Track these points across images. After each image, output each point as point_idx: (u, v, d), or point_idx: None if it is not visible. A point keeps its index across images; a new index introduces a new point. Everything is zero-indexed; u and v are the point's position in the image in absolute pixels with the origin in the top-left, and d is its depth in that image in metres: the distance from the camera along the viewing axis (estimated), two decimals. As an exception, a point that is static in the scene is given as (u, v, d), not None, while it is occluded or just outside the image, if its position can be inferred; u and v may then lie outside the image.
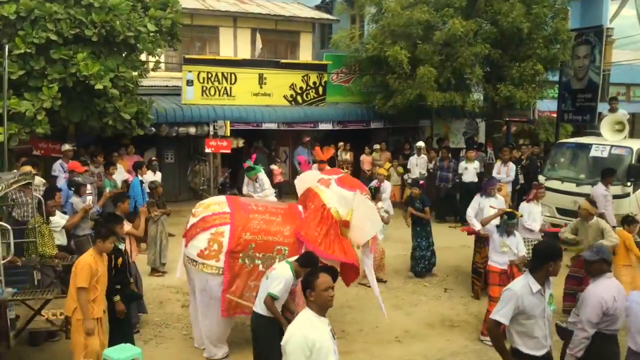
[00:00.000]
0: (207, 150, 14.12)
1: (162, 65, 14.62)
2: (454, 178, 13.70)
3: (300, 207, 7.12)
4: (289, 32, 19.99)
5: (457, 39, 13.78)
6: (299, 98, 15.99)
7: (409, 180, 14.54)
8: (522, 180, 13.16)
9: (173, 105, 14.33)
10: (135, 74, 11.73)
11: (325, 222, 6.67)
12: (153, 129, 13.94)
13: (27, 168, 9.36)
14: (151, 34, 11.97)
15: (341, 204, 6.83)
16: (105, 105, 10.55)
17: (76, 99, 10.73)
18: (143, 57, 12.60)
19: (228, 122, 14.34)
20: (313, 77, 16.06)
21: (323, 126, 16.11)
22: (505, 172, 12.60)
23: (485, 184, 9.14)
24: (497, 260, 7.49)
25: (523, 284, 4.57)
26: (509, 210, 7.87)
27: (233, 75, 15.02)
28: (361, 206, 6.83)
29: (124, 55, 11.16)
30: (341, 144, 16.26)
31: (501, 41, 14.31)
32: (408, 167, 14.71)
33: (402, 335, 7.63)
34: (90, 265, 5.72)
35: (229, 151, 14.24)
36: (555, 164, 12.24)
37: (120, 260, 6.30)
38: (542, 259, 4.62)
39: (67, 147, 11.34)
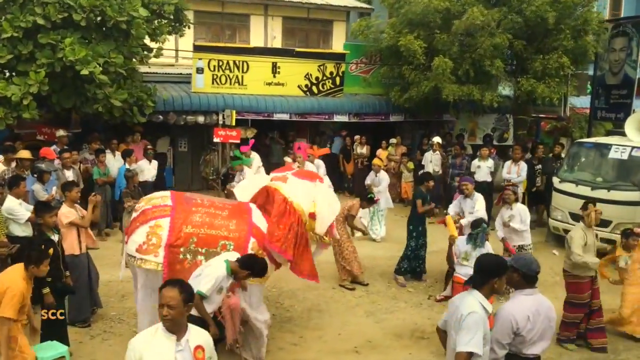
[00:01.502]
0: (216, 139, 13.86)
1: (175, 53, 14.46)
2: (466, 176, 12.89)
3: (252, 205, 6.67)
4: (322, 21, 19.51)
5: (477, 29, 12.95)
6: (314, 88, 15.48)
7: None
8: (538, 183, 12.23)
9: (182, 93, 14.11)
10: (134, 60, 11.53)
11: (289, 217, 6.26)
12: (160, 116, 13.81)
13: (25, 153, 9.34)
14: (149, 20, 11.80)
15: (303, 196, 6.43)
16: (96, 92, 10.36)
17: (70, 85, 10.61)
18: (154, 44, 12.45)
19: (234, 112, 13.99)
20: (330, 67, 15.51)
21: (338, 118, 15.56)
22: (515, 171, 11.73)
23: (458, 182, 8.54)
24: (460, 271, 6.87)
25: (478, 304, 3.94)
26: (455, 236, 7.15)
27: (245, 64, 14.67)
28: (323, 195, 6.64)
29: (120, 40, 10.91)
30: (357, 137, 15.68)
31: (526, 32, 13.37)
32: (422, 163, 13.98)
33: (362, 346, 7.07)
34: (22, 294, 5.02)
35: (238, 141, 13.88)
36: (571, 166, 11.28)
37: (51, 250, 6.00)
38: (487, 274, 4.04)
39: (61, 132, 11.30)
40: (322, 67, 15.44)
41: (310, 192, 6.53)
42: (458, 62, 13.29)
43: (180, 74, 15.42)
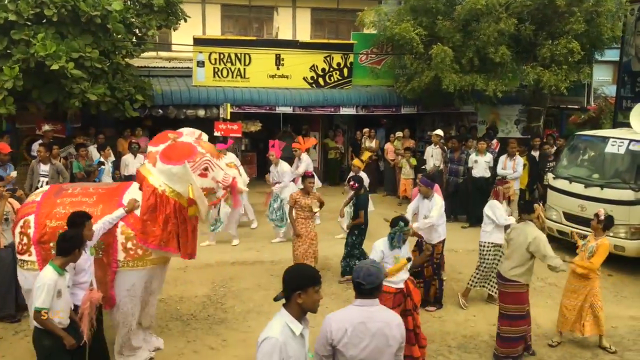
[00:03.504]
0: (216, 133, 13.69)
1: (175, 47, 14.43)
2: (464, 171, 12.10)
3: (133, 184, 6.20)
4: (352, 11, 18.98)
5: (481, 14, 12.13)
6: (320, 80, 15.07)
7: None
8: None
9: (182, 87, 14.06)
10: (117, 55, 11.51)
11: (163, 210, 5.78)
12: (160, 110, 13.84)
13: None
14: (139, 14, 11.79)
15: (174, 181, 5.82)
16: (72, 87, 10.42)
17: (53, 80, 10.72)
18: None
19: (228, 105, 13.81)
20: (337, 58, 15.04)
21: (345, 110, 15.07)
22: (511, 167, 10.87)
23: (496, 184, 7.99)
24: (390, 279, 6.25)
25: (282, 327, 3.39)
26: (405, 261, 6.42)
27: (247, 56, 14.44)
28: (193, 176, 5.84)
29: (99, 35, 10.92)
30: (366, 130, 15.14)
31: (536, 16, 12.40)
32: (424, 157, 13.29)
33: (284, 352, 6.66)
34: None
35: (239, 135, 13.63)
36: (568, 161, 10.33)
37: None
38: (289, 288, 3.46)
39: (46, 127, 11.47)
40: (328, 59, 14.99)
41: (184, 176, 5.80)
42: (462, 50, 12.52)
43: (182, 67, 15.36)
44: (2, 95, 9.95)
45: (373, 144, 15.04)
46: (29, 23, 10.19)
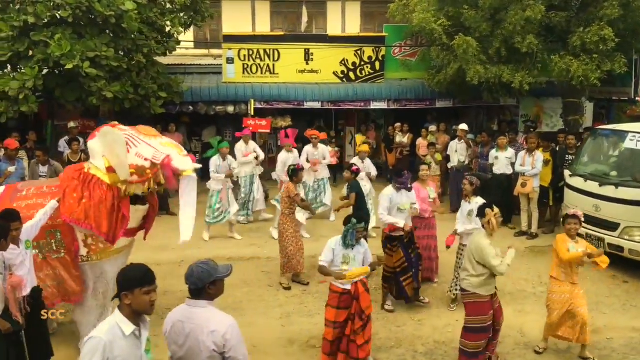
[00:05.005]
0: (245, 130, 13.81)
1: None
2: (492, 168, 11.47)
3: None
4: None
5: (509, 2, 11.49)
6: (351, 74, 14.84)
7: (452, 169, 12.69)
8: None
9: (212, 84, 14.28)
10: (139, 54, 11.80)
11: (87, 186, 5.76)
12: (191, 107, 14.14)
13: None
14: (163, 13, 12.07)
15: (94, 156, 5.91)
16: (90, 85, 10.82)
17: (74, 80, 11.18)
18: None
19: (252, 101, 13.86)
20: (368, 52, 14.76)
21: (376, 105, 14.74)
22: (530, 163, 10.19)
23: (395, 178, 7.54)
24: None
25: (111, 326, 3.37)
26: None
27: (276, 52, 14.45)
28: (104, 143, 5.76)
29: (117, 35, 11.27)
30: (398, 124, 14.77)
31: (570, 2, 11.58)
32: (448, 152, 12.75)
33: (243, 350, 6.60)
34: None
35: (268, 130, 13.75)
36: (587, 157, 9.55)
37: None
38: (118, 289, 3.43)
39: (72, 124, 12.00)
40: (359, 52, 14.72)
41: (97, 149, 5.87)
42: (489, 41, 11.91)
43: (213, 64, 15.57)
44: (23, 94, 10.45)
45: (405, 138, 14.64)
46: (48, 25, 10.63)
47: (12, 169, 8.52)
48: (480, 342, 5.91)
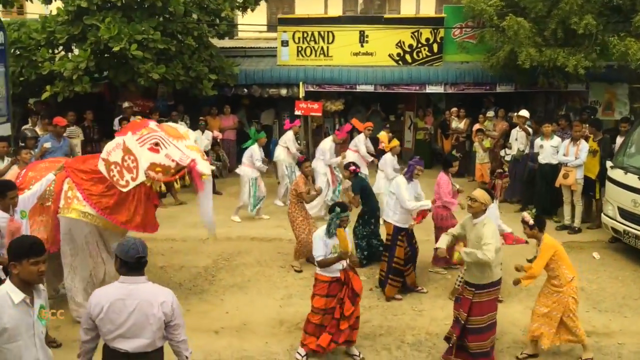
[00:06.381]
0: (297, 112, 13.90)
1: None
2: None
3: None
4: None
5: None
6: (407, 57, 14.44)
7: (507, 157, 12.08)
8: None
9: (265, 67, 14.44)
10: (189, 37, 12.15)
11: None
12: (245, 90, 14.40)
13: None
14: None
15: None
16: (138, 67, 11.31)
17: (126, 62, 11.73)
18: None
19: (302, 84, 13.86)
20: (426, 34, 14.28)
21: (432, 89, 14.26)
22: (574, 153, 9.48)
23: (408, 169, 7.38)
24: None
25: (1, 295, 3.53)
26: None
27: (330, 34, 14.34)
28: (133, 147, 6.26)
29: (167, 18, 11.70)
30: (454, 109, 14.28)
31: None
32: (510, 141, 12.07)
33: (234, 327, 6.72)
34: None
35: (319, 114, 13.78)
36: (633, 148, 8.73)
37: None
38: (9, 258, 3.57)
39: (126, 104, 12.61)
40: (416, 34, 14.29)
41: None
42: (545, 22, 11.18)
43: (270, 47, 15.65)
44: (77, 75, 11.11)
45: (461, 124, 14.12)
46: (100, 9, 11.20)
47: (47, 144, 9.07)
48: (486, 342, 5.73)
